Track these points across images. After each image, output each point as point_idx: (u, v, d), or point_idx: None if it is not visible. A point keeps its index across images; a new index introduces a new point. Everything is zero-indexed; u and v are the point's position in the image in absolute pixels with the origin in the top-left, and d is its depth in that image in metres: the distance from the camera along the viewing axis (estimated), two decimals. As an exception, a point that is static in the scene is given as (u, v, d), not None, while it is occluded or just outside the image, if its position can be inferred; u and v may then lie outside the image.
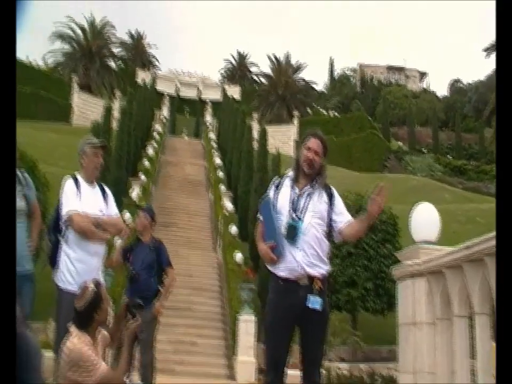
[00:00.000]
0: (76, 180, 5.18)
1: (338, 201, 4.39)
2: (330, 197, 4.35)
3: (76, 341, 3.75)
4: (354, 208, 14.32)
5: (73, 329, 3.86)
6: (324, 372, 10.78)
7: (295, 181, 4.36)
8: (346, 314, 14.49)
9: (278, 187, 4.42)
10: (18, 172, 5.13)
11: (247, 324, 13.25)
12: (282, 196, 4.33)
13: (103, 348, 4.11)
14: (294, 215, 4.20)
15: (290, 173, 4.45)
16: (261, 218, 4.37)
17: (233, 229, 19.26)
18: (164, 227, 21.69)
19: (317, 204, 4.25)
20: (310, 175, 4.32)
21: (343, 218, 4.31)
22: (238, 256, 16.98)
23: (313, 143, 4.34)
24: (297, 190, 4.30)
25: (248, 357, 12.95)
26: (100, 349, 3.99)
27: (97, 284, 4.01)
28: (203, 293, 17.16)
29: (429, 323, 5.49)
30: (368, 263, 13.91)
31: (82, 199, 5.08)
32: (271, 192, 4.43)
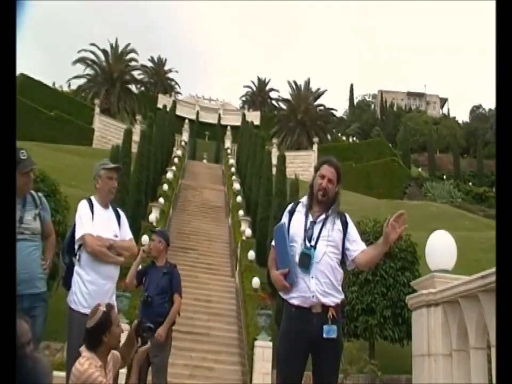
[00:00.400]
0: (90, 203, 5.22)
1: (352, 229, 4.35)
2: (345, 224, 4.31)
3: (86, 364, 3.74)
4: (372, 235, 14.25)
5: (83, 350, 3.86)
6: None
7: (309, 208, 4.34)
8: (364, 343, 14.33)
9: (292, 214, 4.40)
10: (34, 193, 5.20)
11: (264, 349, 13.17)
12: (296, 223, 4.31)
13: (114, 369, 4.11)
14: (307, 243, 4.18)
15: (305, 199, 4.43)
16: (274, 244, 4.36)
17: (251, 254, 19.21)
18: (183, 252, 21.73)
19: (331, 232, 4.22)
20: (324, 203, 4.31)
21: (357, 247, 4.27)
22: (255, 282, 16.93)
23: (326, 170, 4.33)
24: (311, 218, 4.28)
25: (264, 383, 12.86)
26: (110, 370, 3.99)
27: (109, 307, 4.02)
28: (221, 318, 17.10)
29: (445, 355, 5.39)
30: (386, 291, 13.77)
31: (96, 222, 5.10)
32: (285, 219, 4.40)
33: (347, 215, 4.41)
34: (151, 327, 4.28)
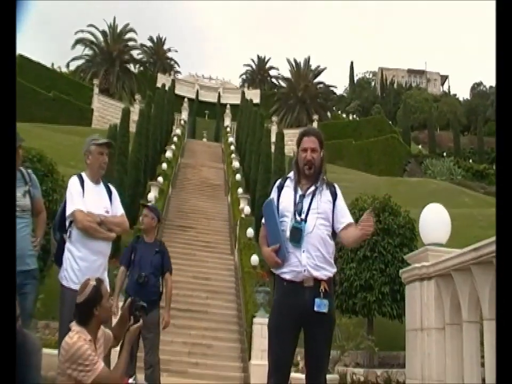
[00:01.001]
0: (81, 179, 5.17)
1: (340, 201, 4.30)
2: (334, 195, 4.28)
3: (75, 337, 3.73)
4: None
5: (73, 325, 3.85)
6: (338, 377, 10.73)
7: (297, 182, 4.30)
8: (362, 319, 14.34)
9: (280, 189, 4.36)
10: (23, 170, 5.15)
11: (262, 326, 13.13)
12: (285, 198, 4.27)
13: (106, 347, 4.10)
14: (297, 217, 4.14)
15: (292, 174, 4.39)
16: (264, 221, 4.32)
17: (250, 232, 19.21)
18: (182, 230, 21.77)
19: (320, 203, 4.19)
20: (311, 175, 4.27)
21: (342, 219, 4.23)
22: (254, 259, 16.95)
23: (307, 142, 4.30)
24: (300, 191, 4.24)
25: (262, 360, 12.86)
26: (101, 346, 3.98)
27: (99, 281, 4.00)
28: (219, 296, 17.14)
29: (438, 328, 5.37)
30: (385, 267, 13.75)
31: (87, 197, 5.06)
32: (274, 194, 4.36)
33: (336, 186, 4.36)
34: (144, 305, 4.26)
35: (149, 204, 9.37)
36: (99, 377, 3.69)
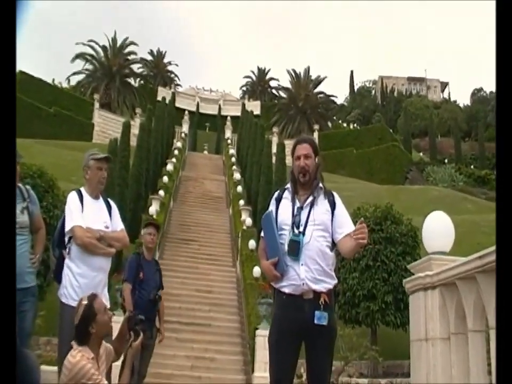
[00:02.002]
0: (80, 194, 5.11)
1: (340, 210, 4.22)
2: (333, 205, 4.20)
3: (78, 356, 3.69)
4: (373, 221, 14.21)
5: (74, 344, 3.81)
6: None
7: (294, 193, 4.24)
8: (366, 329, 14.29)
9: (279, 201, 4.30)
10: (21, 186, 5.11)
11: (265, 338, 13.05)
12: (283, 210, 4.21)
13: (107, 362, 4.04)
14: (296, 230, 4.08)
15: (289, 185, 4.34)
16: (263, 234, 4.27)
17: (252, 244, 19.16)
18: (184, 243, 21.74)
19: (318, 214, 4.11)
20: (307, 183, 4.21)
21: (340, 229, 4.15)
22: (256, 271, 16.88)
23: (300, 149, 4.25)
24: (298, 203, 4.18)
25: (265, 372, 12.76)
26: (103, 363, 3.93)
27: (91, 297, 3.95)
28: (222, 308, 17.08)
29: (443, 338, 5.29)
30: (387, 276, 13.71)
31: (86, 213, 5.01)
32: (272, 207, 4.30)
33: (335, 194, 4.29)
34: (143, 319, 4.20)
35: (152, 221, 9.34)
36: None
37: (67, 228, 4.94)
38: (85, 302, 3.88)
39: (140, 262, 7.14)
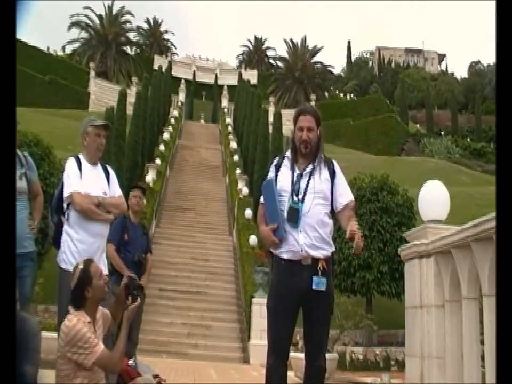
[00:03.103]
0: (78, 161, 5.09)
1: (339, 179, 4.25)
2: (332, 173, 4.22)
3: (74, 320, 3.70)
4: (369, 191, 14.25)
5: (70, 309, 3.83)
6: (337, 355, 10.76)
7: (294, 161, 4.25)
8: (361, 298, 14.39)
9: (278, 168, 4.30)
10: (19, 153, 5.09)
11: (261, 306, 13.15)
12: (283, 177, 4.22)
13: (104, 327, 4.08)
14: (295, 197, 4.10)
15: (289, 153, 4.34)
16: (263, 200, 4.29)
17: (248, 213, 19.22)
18: (180, 212, 21.80)
19: (318, 183, 4.13)
20: (309, 154, 4.22)
21: (340, 199, 4.19)
22: (252, 239, 16.96)
23: (303, 121, 4.22)
24: (297, 171, 4.19)
25: (261, 340, 12.90)
26: (100, 327, 3.97)
27: (87, 262, 3.97)
28: (218, 277, 17.19)
29: (437, 305, 5.33)
30: (383, 246, 13.77)
31: (85, 179, 5.00)
32: (272, 174, 4.30)
33: (335, 163, 4.31)
34: (141, 284, 4.24)
35: (139, 184, 9.21)
36: (99, 359, 3.66)
37: (65, 194, 4.93)
38: (81, 267, 3.90)
39: (125, 224, 7.08)
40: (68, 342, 3.67)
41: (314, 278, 3.98)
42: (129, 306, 4.06)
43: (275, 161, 4.42)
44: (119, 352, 3.83)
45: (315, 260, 4.02)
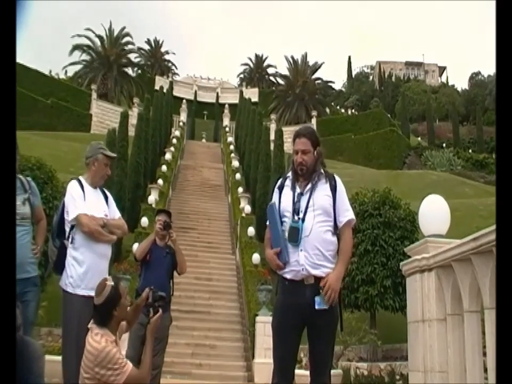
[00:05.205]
0: (80, 183, 5.17)
1: (340, 196, 4.27)
2: (334, 189, 4.25)
3: (102, 342, 3.70)
4: (371, 205, 14.24)
5: (94, 327, 3.81)
6: (341, 372, 10.72)
7: (295, 181, 4.30)
8: (364, 313, 14.33)
9: (281, 189, 4.37)
10: (23, 178, 5.14)
11: (265, 325, 13.14)
12: (285, 198, 4.28)
13: (120, 336, 4.09)
14: (295, 216, 4.14)
15: (290, 173, 4.39)
16: (268, 223, 4.33)
17: (251, 231, 19.22)
18: (183, 231, 21.76)
19: (318, 199, 4.17)
20: (305, 175, 4.26)
21: (341, 218, 4.22)
22: (255, 258, 16.95)
23: (298, 144, 4.30)
24: (298, 189, 4.25)
25: (266, 358, 12.85)
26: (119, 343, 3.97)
27: (116, 279, 3.97)
28: (222, 296, 17.17)
29: (439, 319, 5.33)
30: (386, 260, 13.74)
31: (87, 202, 5.06)
32: (275, 195, 4.38)
33: (337, 178, 4.34)
34: (163, 295, 4.23)
35: (163, 208, 9.29)
36: (129, 378, 3.69)
37: (71, 216, 4.96)
38: (110, 283, 3.85)
39: (150, 247, 7.17)
40: (97, 364, 3.67)
41: (316, 298, 4.01)
42: (151, 319, 4.06)
43: (278, 182, 4.48)
44: (146, 368, 3.85)
45: (318, 279, 4.03)
